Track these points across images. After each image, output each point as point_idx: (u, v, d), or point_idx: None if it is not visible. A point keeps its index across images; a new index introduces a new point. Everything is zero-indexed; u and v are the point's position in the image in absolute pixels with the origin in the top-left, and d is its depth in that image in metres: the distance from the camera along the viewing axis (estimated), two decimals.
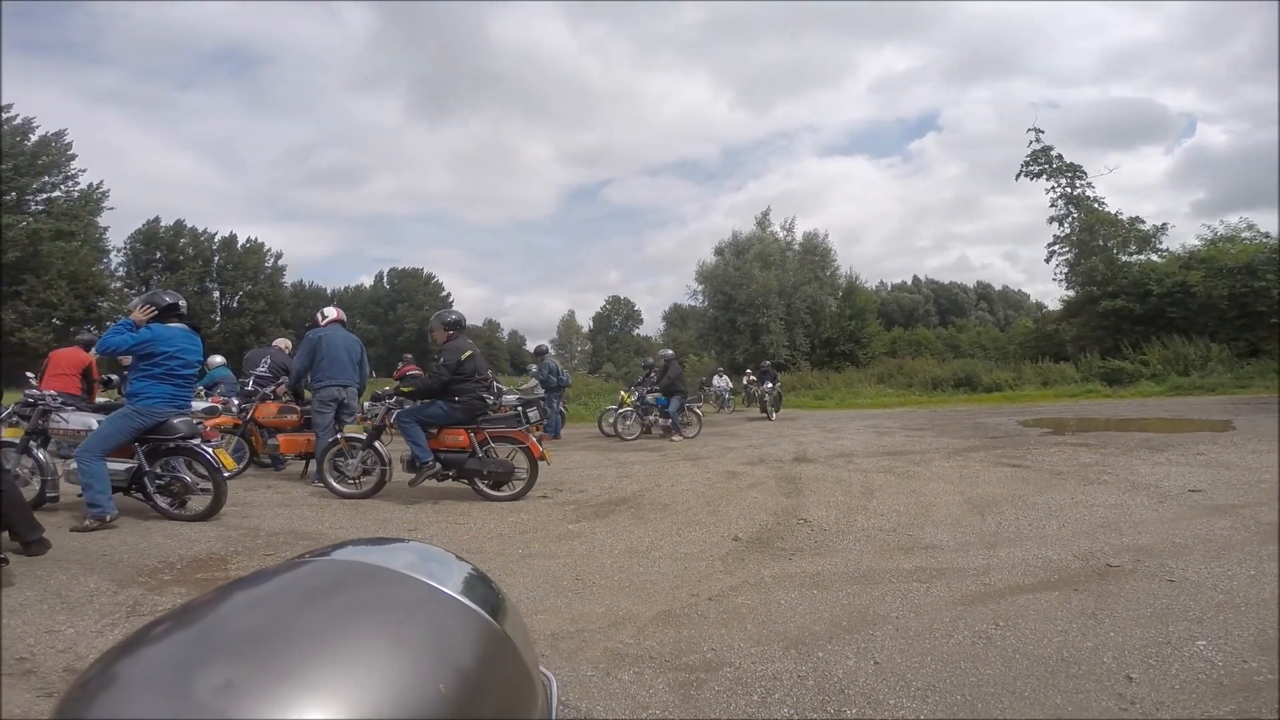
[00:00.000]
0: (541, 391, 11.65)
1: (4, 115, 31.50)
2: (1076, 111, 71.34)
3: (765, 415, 15.42)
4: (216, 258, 45.67)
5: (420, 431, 5.49)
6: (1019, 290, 68.04)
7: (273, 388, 7.41)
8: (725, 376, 20.86)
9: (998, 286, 70.21)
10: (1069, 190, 28.15)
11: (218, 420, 6.66)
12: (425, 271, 62.72)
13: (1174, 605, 2.80)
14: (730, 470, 7.11)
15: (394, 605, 0.50)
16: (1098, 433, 9.74)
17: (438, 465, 5.48)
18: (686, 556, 3.80)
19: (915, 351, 31.91)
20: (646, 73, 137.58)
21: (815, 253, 33.18)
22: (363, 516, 5.02)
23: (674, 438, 10.73)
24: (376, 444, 5.74)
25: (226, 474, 4.76)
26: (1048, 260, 28.86)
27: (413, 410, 5.59)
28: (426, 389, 5.67)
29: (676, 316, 49.94)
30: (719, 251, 32.41)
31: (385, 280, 62.32)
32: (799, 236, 33.84)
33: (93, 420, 4.87)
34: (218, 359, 9.14)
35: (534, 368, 14.77)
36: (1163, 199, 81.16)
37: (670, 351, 12.68)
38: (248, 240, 47.16)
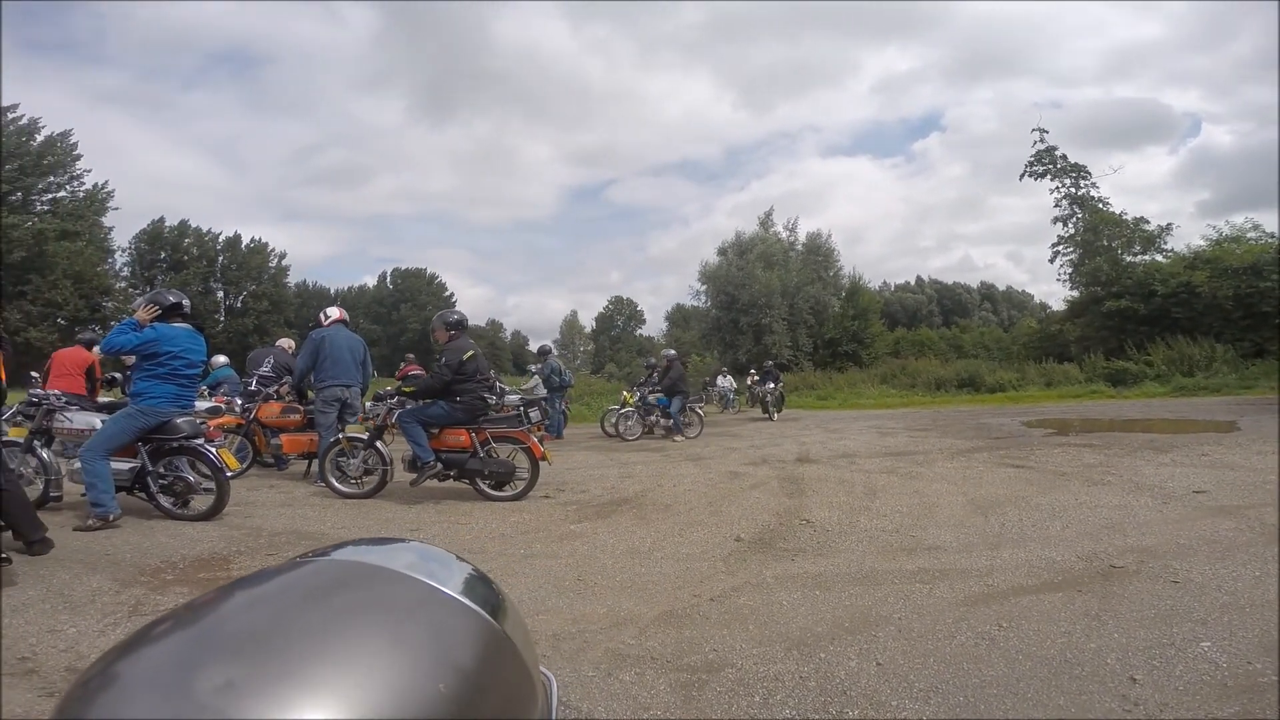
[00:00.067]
0: (543, 391, 11.66)
1: (10, 116, 31.63)
2: (1080, 111, 71.23)
3: (767, 416, 15.40)
4: (220, 258, 45.81)
5: (422, 431, 5.50)
6: (1023, 291, 67.97)
7: (276, 387, 7.43)
8: (729, 377, 20.84)
9: (1001, 287, 70.15)
10: (1073, 190, 28.10)
11: (221, 420, 6.68)
12: (428, 271, 62.91)
13: (1178, 606, 2.79)
14: (732, 470, 7.11)
15: (394, 605, 0.50)
16: (1102, 434, 9.71)
17: (439, 465, 5.49)
18: (688, 557, 3.80)
19: (918, 352, 31.88)
20: (648, 73, 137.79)
21: (818, 253, 33.16)
22: (365, 516, 5.03)
23: (676, 438, 10.73)
24: (378, 444, 5.74)
25: (229, 474, 4.77)
26: (1052, 260, 28.84)
27: (414, 410, 5.59)
28: (428, 389, 5.67)
29: (679, 317, 49.97)
30: (722, 252, 32.43)
31: (388, 280, 62.48)
32: (802, 237, 33.87)
33: (96, 420, 4.88)
34: (221, 359, 9.16)
35: (534, 368, 14.79)
36: (1167, 199, 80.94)
37: (673, 351, 12.69)
38: (252, 240, 47.34)
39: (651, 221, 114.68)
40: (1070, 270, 27.80)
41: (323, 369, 6.32)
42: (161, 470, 4.68)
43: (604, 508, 5.24)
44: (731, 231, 35.29)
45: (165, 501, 4.68)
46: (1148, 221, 26.53)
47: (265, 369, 7.82)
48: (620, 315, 71.65)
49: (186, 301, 4.85)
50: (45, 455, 4.90)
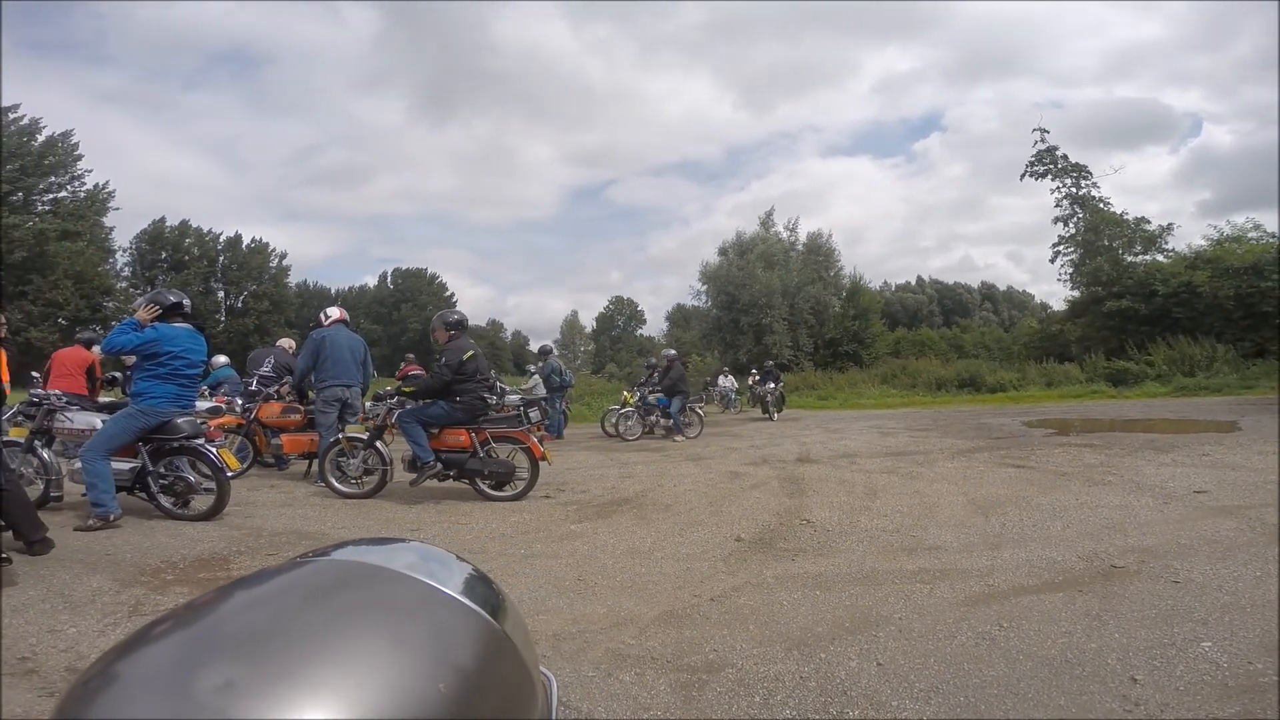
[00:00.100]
0: (543, 391, 11.67)
1: (11, 116, 31.66)
2: (1080, 111, 71.15)
3: (767, 416, 15.39)
4: (221, 258, 45.85)
5: (421, 431, 5.50)
6: (1023, 291, 67.97)
7: (276, 387, 7.44)
8: (731, 376, 20.83)
9: (1002, 287, 70.13)
10: (1074, 190, 28.10)
11: (221, 420, 6.68)
12: (429, 271, 62.91)
13: (1179, 606, 2.79)
14: (733, 470, 7.10)
15: (394, 605, 0.50)
16: (1102, 433, 9.70)
17: (439, 465, 5.49)
18: (689, 557, 3.80)
19: (919, 352, 31.87)
20: (648, 73, 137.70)
21: (819, 253, 33.17)
22: (365, 517, 5.03)
23: (676, 438, 10.73)
24: (378, 444, 5.75)
25: (230, 474, 4.77)
26: (1052, 260, 28.85)
27: (414, 410, 5.59)
28: (428, 389, 5.67)
29: (679, 317, 49.99)
30: (722, 252, 32.44)
31: (389, 280, 62.49)
32: (802, 237, 33.89)
33: (97, 420, 4.89)
34: (221, 359, 9.17)
35: (533, 367, 14.79)
36: (1168, 199, 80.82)
37: (673, 351, 12.69)
38: (252, 240, 47.39)
39: (652, 221, 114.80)
40: (1071, 270, 27.82)
41: (323, 369, 6.32)
42: (162, 470, 4.68)
43: (604, 508, 5.24)
44: (732, 231, 35.36)
45: (166, 501, 4.68)
46: (1148, 221, 26.56)
47: (266, 369, 7.83)
48: (621, 315, 71.65)
49: (187, 301, 4.85)
50: (46, 455, 4.90)
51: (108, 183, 35.65)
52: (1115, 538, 3.91)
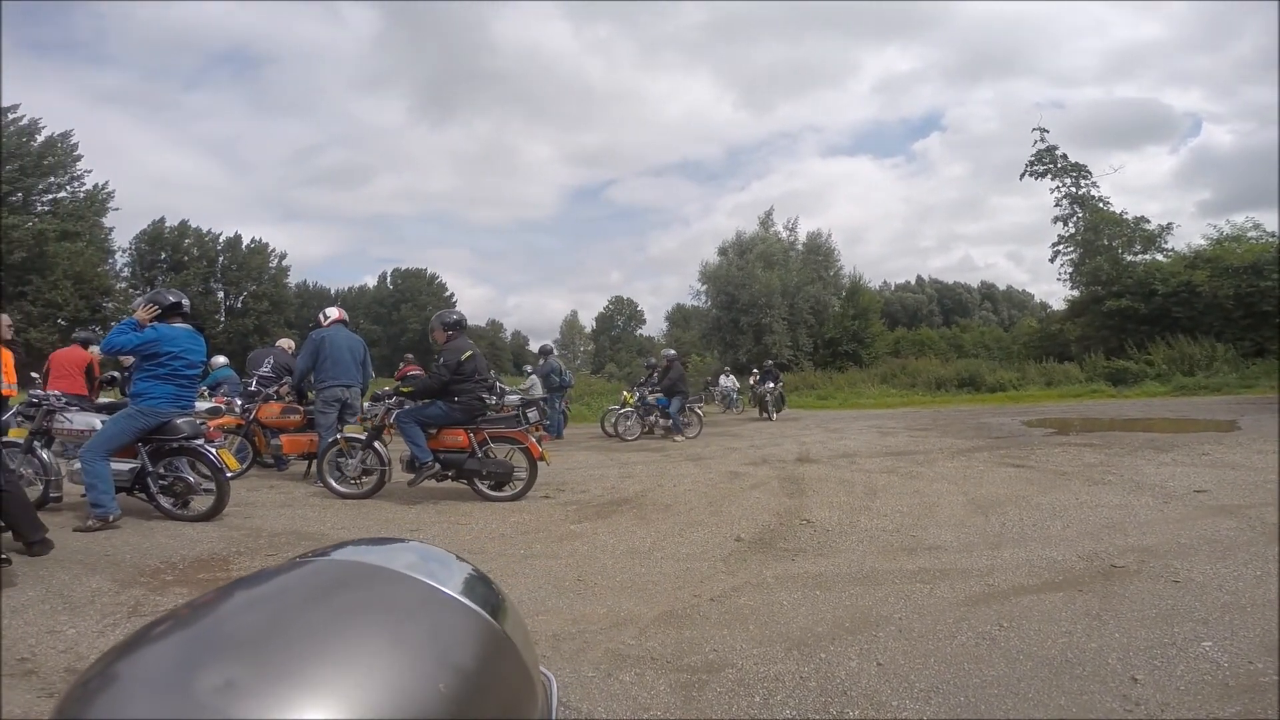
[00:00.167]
0: (540, 391, 11.67)
1: (11, 116, 31.65)
2: (1080, 111, 71.07)
3: (766, 416, 15.38)
4: (221, 258, 45.82)
5: (420, 432, 5.49)
6: (1023, 290, 67.96)
7: (276, 388, 7.44)
8: (732, 376, 20.81)
9: (1002, 286, 70.12)
10: (1073, 190, 28.14)
11: (221, 420, 6.68)
12: (429, 272, 62.86)
13: (1179, 606, 2.79)
14: (733, 470, 7.10)
15: (394, 605, 0.50)
16: (1102, 433, 9.71)
17: (437, 466, 5.48)
18: (689, 557, 3.80)
19: (919, 352, 31.90)
20: (649, 73, 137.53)
21: (818, 253, 33.20)
22: (365, 517, 5.03)
23: (675, 438, 10.73)
24: (376, 444, 5.74)
25: (229, 474, 4.77)
26: (1052, 260, 28.90)
27: (412, 410, 5.59)
28: (426, 389, 5.67)
29: (679, 316, 50.00)
30: (722, 251, 32.46)
31: (388, 280, 62.44)
32: (802, 236, 33.93)
33: (96, 420, 4.88)
34: (220, 359, 9.17)
35: (529, 367, 14.79)
36: (1168, 199, 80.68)
37: (672, 351, 12.69)
38: (252, 241, 47.35)
39: (652, 221, 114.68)
40: (1071, 270, 27.85)
41: (323, 369, 6.32)
42: (161, 471, 4.68)
43: (604, 508, 5.24)
44: (732, 231, 35.37)
45: (165, 502, 4.68)
46: (1148, 221, 26.60)
47: (265, 369, 7.83)
48: (620, 315, 71.65)
49: (186, 301, 4.85)
50: (45, 456, 4.90)
51: (107, 183, 35.67)
52: (1115, 537, 3.91)
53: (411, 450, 5.51)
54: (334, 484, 5.73)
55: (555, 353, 13.16)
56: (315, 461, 6.41)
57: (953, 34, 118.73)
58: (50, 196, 33.54)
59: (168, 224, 44.07)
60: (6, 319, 5.91)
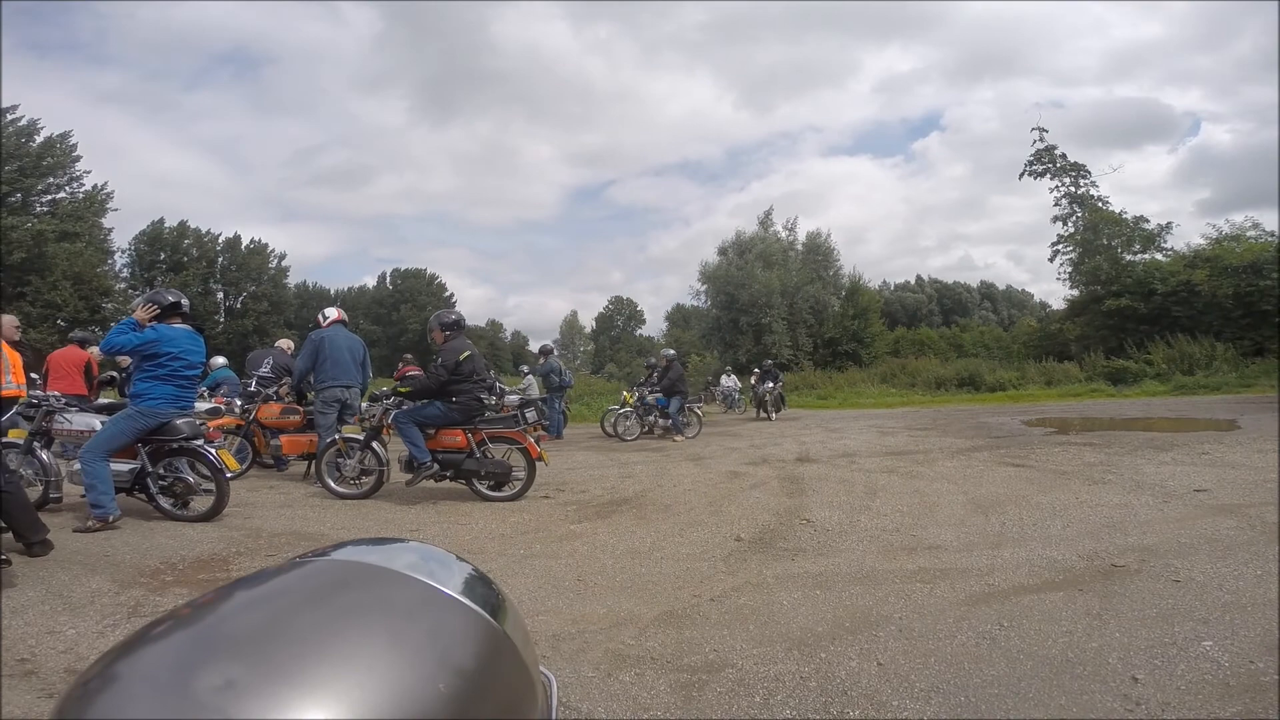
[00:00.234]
0: (536, 391, 11.67)
1: (10, 116, 31.63)
2: (1080, 111, 70.82)
3: (765, 416, 15.37)
4: (220, 259, 45.79)
5: (418, 432, 5.49)
6: (1023, 290, 67.92)
7: (275, 388, 7.44)
8: (734, 377, 20.79)
9: (1001, 286, 70.04)
10: (1073, 189, 28.18)
11: (221, 421, 6.69)
12: (428, 272, 62.78)
13: (1180, 605, 2.79)
14: (733, 470, 7.11)
15: (394, 605, 0.50)
16: (1102, 432, 9.71)
17: (436, 466, 5.48)
18: (688, 557, 3.80)
19: (919, 351, 31.93)
20: (650, 73, 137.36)
21: (818, 252, 33.24)
22: (365, 517, 5.03)
23: (675, 438, 10.73)
24: (374, 444, 5.74)
25: (229, 475, 4.77)
26: (1052, 260, 28.93)
27: (410, 411, 5.59)
28: (424, 389, 5.67)
29: (679, 316, 50.04)
30: (722, 251, 32.50)
31: (388, 281, 62.39)
32: (802, 236, 33.97)
33: (96, 421, 4.88)
34: (219, 360, 9.17)
35: (526, 367, 14.78)
36: (1167, 198, 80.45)
37: (672, 351, 12.69)
38: (251, 241, 47.29)
39: (652, 221, 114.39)
40: (1070, 269, 27.88)
41: (322, 370, 6.32)
42: (161, 471, 4.68)
43: (604, 508, 5.24)
44: (732, 231, 35.38)
45: (165, 503, 4.68)
46: (1147, 220, 26.62)
47: (264, 370, 7.83)
48: (620, 315, 71.63)
49: (185, 301, 4.85)
50: (45, 457, 4.90)
51: (106, 183, 35.58)
52: (1115, 536, 3.91)
53: (410, 450, 5.51)
54: (332, 484, 5.73)
55: (555, 353, 13.16)
56: (314, 462, 6.41)
57: (953, 34, 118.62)
58: (49, 197, 33.51)
59: (167, 224, 44.05)
60: (13, 320, 5.94)
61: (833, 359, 29.99)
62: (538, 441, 5.72)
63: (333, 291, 58.76)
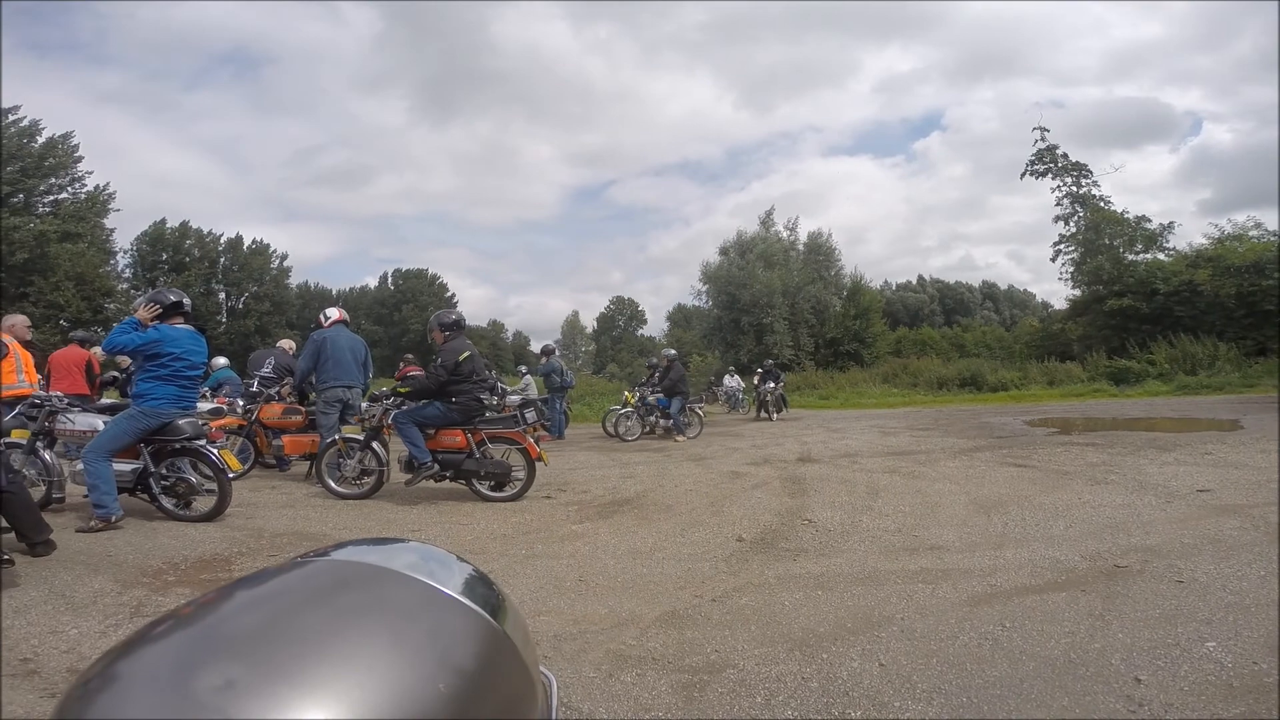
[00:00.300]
0: (535, 391, 11.67)
1: (12, 117, 31.71)
2: (1081, 111, 70.61)
3: (767, 416, 15.35)
4: (222, 259, 45.87)
5: (418, 432, 5.49)
6: (1025, 290, 67.89)
7: (277, 389, 7.45)
8: (736, 377, 20.76)
9: (1003, 286, 69.97)
10: (1074, 189, 28.14)
11: (223, 421, 6.69)
12: (430, 272, 62.85)
13: (1183, 606, 2.78)
14: (734, 471, 7.10)
15: (394, 606, 0.50)
16: (1104, 432, 9.69)
17: (436, 466, 5.49)
18: (690, 557, 3.79)
19: (920, 351, 31.91)
20: (650, 73, 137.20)
21: (819, 252, 33.25)
22: (366, 517, 5.03)
23: (676, 438, 10.73)
24: (374, 444, 5.75)
25: (231, 475, 4.78)
26: (1053, 259, 28.90)
27: (410, 411, 5.59)
28: (423, 390, 5.67)
29: (680, 317, 50.05)
30: (724, 251, 32.52)
31: (390, 281, 62.46)
32: (803, 236, 33.98)
33: (99, 421, 4.89)
34: (221, 360, 9.19)
35: (525, 368, 14.77)
36: (1169, 198, 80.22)
37: (673, 351, 12.69)
38: (253, 241, 47.38)
39: (653, 221, 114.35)
40: (1072, 269, 27.84)
41: (324, 370, 6.33)
42: (164, 471, 4.69)
43: (605, 508, 5.24)
44: (733, 231, 35.43)
45: (167, 503, 4.69)
46: (1149, 220, 26.58)
47: (266, 370, 7.85)
48: (622, 315, 71.65)
49: (187, 300, 4.86)
50: (48, 457, 4.91)
51: (108, 184, 35.66)
52: (1118, 537, 3.90)
53: (410, 451, 5.51)
54: (333, 485, 5.73)
55: (557, 353, 13.17)
56: (314, 462, 6.42)
57: (953, 34, 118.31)
58: (51, 198, 33.59)
59: (169, 225, 44.16)
60: (25, 319, 5.99)
61: (834, 359, 29.98)
62: (537, 442, 5.72)
63: (334, 292, 58.88)
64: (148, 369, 4.56)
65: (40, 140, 32.95)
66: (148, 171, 76.33)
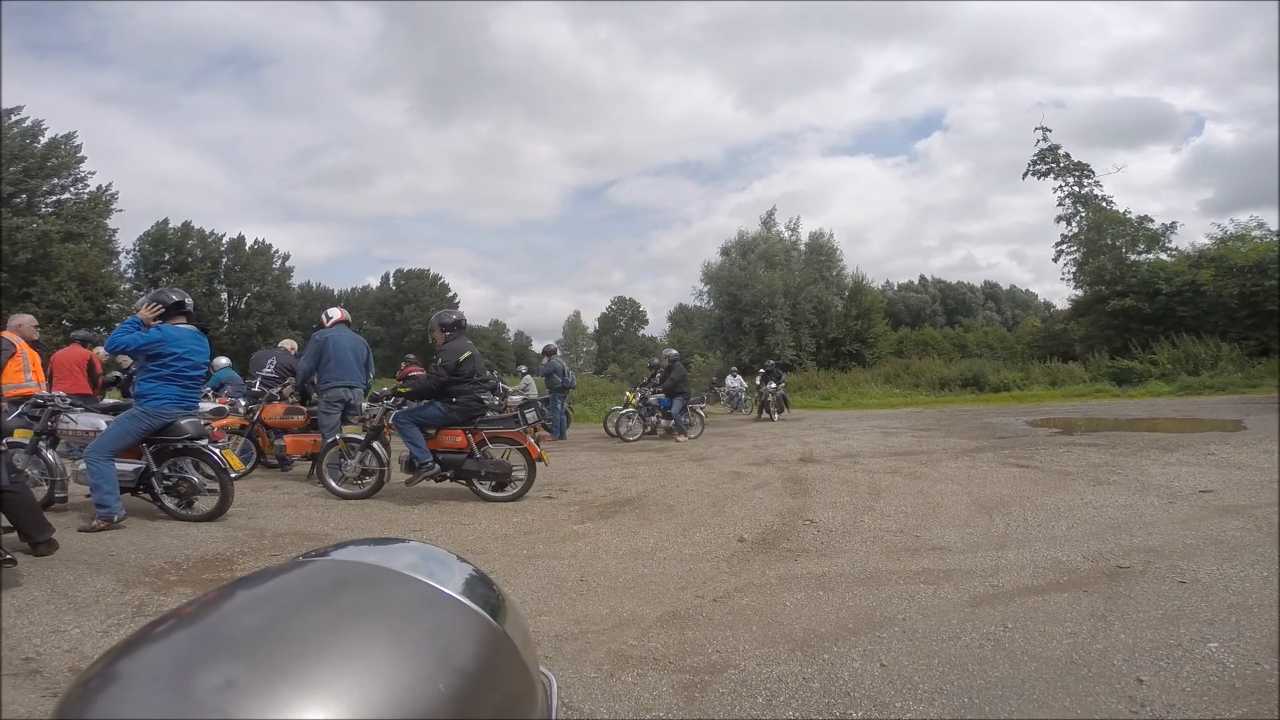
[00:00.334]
0: (534, 391, 11.67)
1: (14, 118, 31.79)
2: (1082, 111, 70.44)
3: (768, 417, 15.34)
4: (224, 259, 45.96)
5: (418, 432, 5.50)
6: (1026, 290, 67.80)
7: (279, 389, 7.46)
8: (739, 377, 20.74)
9: (1005, 286, 69.91)
10: (1076, 189, 28.08)
11: (225, 421, 6.70)
12: (431, 272, 62.90)
13: (1185, 607, 2.78)
14: (736, 471, 7.10)
15: (394, 606, 0.50)
16: (1107, 433, 9.67)
17: (436, 466, 5.49)
18: (691, 558, 3.79)
19: (922, 351, 31.87)
20: (650, 73, 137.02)
21: (821, 252, 33.24)
22: (368, 517, 5.04)
23: (678, 438, 10.73)
24: (375, 444, 5.75)
25: (233, 475, 4.78)
26: (1055, 259, 28.85)
27: (410, 411, 5.60)
28: (424, 390, 5.68)
29: (682, 317, 50.04)
30: (725, 252, 32.51)
31: (391, 281, 62.53)
32: (804, 236, 33.97)
33: (101, 421, 4.91)
34: (222, 360, 9.21)
35: (524, 367, 14.77)
36: (1171, 198, 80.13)
37: (674, 351, 12.68)
38: (255, 242, 47.48)
39: (653, 222, 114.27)
40: (1074, 269, 27.79)
41: (326, 370, 6.34)
42: (166, 471, 4.70)
43: (607, 508, 5.24)
44: (734, 231, 35.49)
45: (170, 502, 4.70)
46: (1151, 220, 26.50)
47: (268, 370, 7.86)
48: (623, 316, 71.65)
49: (189, 300, 4.87)
50: (51, 457, 4.92)
51: (111, 184, 35.75)
52: (1120, 538, 3.90)
53: (411, 450, 5.51)
54: (334, 485, 5.74)
55: (559, 353, 13.17)
56: (315, 463, 6.43)
57: (953, 34, 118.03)
58: (54, 198, 33.67)
59: (171, 225, 44.26)
60: (32, 319, 6.01)
61: (836, 359, 29.95)
62: (538, 442, 5.72)
63: (336, 292, 58.95)
64: (150, 369, 4.57)
65: (43, 141, 33.03)
66: (149, 172, 76.45)
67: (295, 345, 8.93)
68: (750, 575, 3.44)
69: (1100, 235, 26.62)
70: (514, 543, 4.20)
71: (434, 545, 0.62)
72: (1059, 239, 28.45)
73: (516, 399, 10.54)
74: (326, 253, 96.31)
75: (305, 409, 7.16)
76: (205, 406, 6.20)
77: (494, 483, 5.55)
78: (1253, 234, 24.10)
